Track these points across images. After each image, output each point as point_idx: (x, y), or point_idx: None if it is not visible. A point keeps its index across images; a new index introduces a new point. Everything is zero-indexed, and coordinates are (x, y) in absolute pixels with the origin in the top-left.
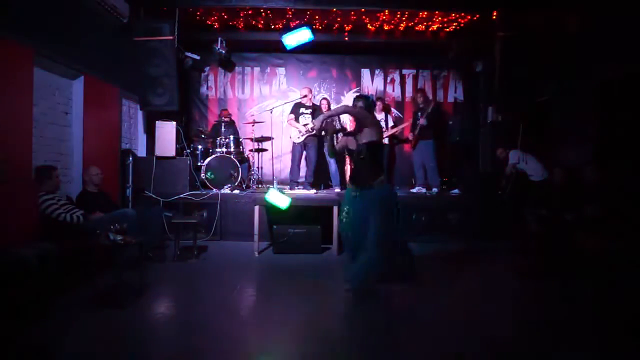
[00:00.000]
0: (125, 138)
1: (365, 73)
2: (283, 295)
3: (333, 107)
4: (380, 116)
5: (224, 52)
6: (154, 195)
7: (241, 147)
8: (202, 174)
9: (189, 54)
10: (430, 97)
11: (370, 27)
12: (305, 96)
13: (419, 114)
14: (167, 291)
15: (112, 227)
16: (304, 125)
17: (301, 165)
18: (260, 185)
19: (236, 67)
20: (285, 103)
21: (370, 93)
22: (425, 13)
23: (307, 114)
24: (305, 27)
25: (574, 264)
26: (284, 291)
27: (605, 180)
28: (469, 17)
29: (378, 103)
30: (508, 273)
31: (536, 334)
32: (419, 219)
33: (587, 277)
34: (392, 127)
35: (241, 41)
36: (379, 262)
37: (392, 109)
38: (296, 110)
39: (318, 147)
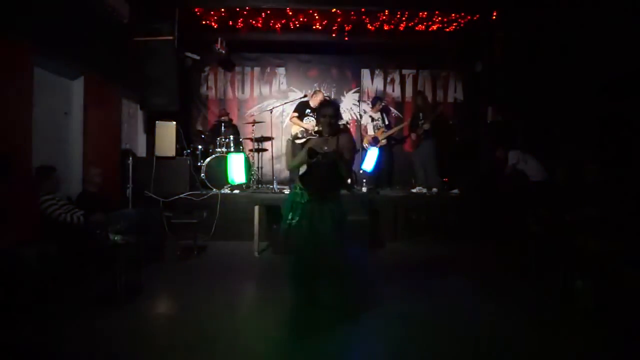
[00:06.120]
0: (125, 138)
1: (365, 73)
2: (283, 295)
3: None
4: (377, 116)
5: (224, 52)
6: (154, 195)
7: (241, 147)
8: (202, 174)
9: (189, 54)
10: (431, 98)
11: (370, 27)
12: (306, 96)
13: (421, 115)
14: (167, 291)
15: (112, 227)
16: (307, 125)
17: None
18: (260, 186)
19: (236, 67)
20: (285, 103)
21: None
22: (425, 13)
23: (311, 115)
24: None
25: (573, 264)
26: (284, 291)
27: (605, 181)
28: (469, 17)
29: (377, 104)
30: (507, 273)
31: (534, 335)
32: (419, 219)
33: (587, 277)
34: (390, 128)
35: (241, 41)
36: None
37: (392, 109)
38: (302, 109)
39: None
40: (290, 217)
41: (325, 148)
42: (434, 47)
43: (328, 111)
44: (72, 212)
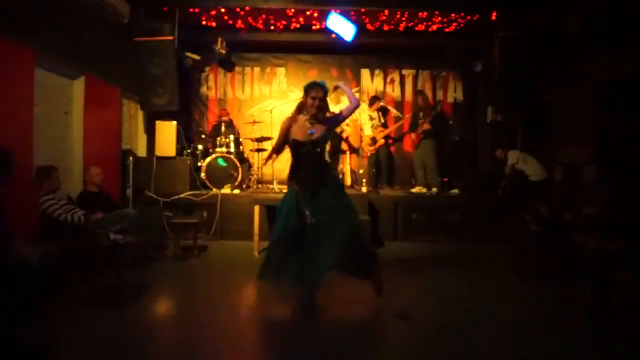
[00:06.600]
0: (126, 138)
1: (365, 73)
2: (284, 295)
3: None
4: (374, 115)
5: (224, 52)
6: (154, 195)
7: (241, 147)
8: (202, 174)
9: (189, 54)
10: (430, 98)
11: (370, 27)
12: None
13: (421, 114)
14: (167, 291)
15: (112, 227)
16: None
17: None
18: (260, 185)
19: (236, 67)
20: (285, 103)
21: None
22: (425, 13)
23: None
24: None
25: (573, 264)
26: (285, 291)
27: (605, 180)
28: (469, 18)
29: (375, 102)
30: (507, 273)
31: (533, 334)
32: (419, 219)
33: (587, 277)
34: (387, 126)
35: (241, 41)
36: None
37: (391, 109)
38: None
39: None
40: (307, 213)
41: (312, 131)
42: (434, 47)
43: (319, 94)
44: (73, 211)
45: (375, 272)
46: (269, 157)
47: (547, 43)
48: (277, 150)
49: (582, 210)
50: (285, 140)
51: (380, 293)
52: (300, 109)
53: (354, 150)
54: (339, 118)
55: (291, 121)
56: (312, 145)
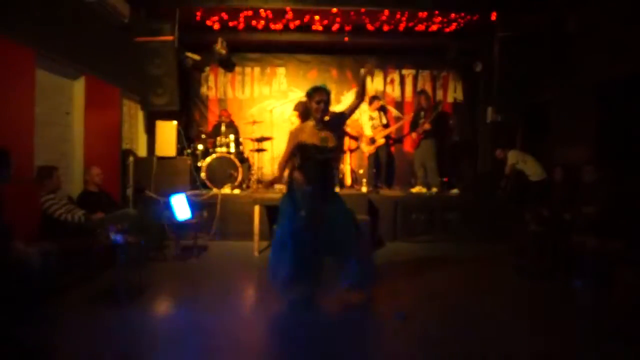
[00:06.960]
0: (126, 138)
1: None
2: (283, 295)
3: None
4: (375, 115)
5: (224, 52)
6: (154, 195)
7: (241, 147)
8: (202, 174)
9: (189, 54)
10: (431, 98)
11: (370, 27)
12: None
13: (422, 113)
14: (167, 291)
15: (112, 227)
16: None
17: None
18: (260, 185)
19: (236, 67)
20: (285, 103)
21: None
22: (425, 13)
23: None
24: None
25: (573, 264)
26: (284, 290)
27: (604, 180)
28: (469, 18)
29: (374, 102)
30: (507, 273)
31: (534, 335)
32: (419, 219)
33: (587, 277)
34: (388, 126)
35: (241, 41)
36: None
37: (391, 109)
38: (302, 109)
39: None
40: (303, 214)
41: (323, 135)
42: (434, 47)
43: (323, 97)
44: (73, 211)
45: (365, 284)
46: (283, 168)
47: (547, 43)
48: (288, 159)
49: (581, 210)
50: (296, 148)
51: (354, 303)
52: (305, 114)
53: (355, 141)
54: (343, 117)
55: (299, 130)
56: (328, 151)
